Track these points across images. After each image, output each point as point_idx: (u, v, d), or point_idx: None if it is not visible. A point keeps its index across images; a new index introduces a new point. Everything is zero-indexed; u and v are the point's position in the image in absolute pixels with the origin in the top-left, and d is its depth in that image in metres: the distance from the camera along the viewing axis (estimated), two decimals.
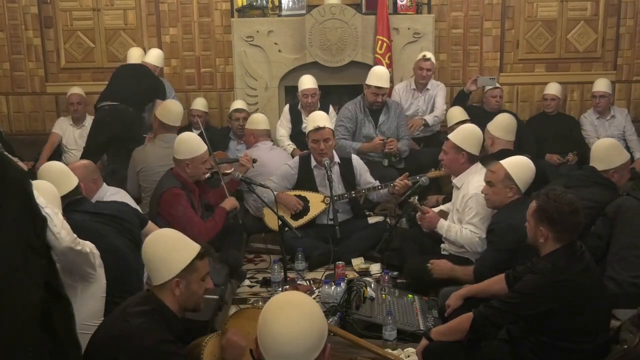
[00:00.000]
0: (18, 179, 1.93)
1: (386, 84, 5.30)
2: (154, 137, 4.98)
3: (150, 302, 2.43)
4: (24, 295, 1.90)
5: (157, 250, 2.46)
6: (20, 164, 4.96)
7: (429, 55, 5.74)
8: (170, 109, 4.95)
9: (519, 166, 3.44)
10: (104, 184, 3.81)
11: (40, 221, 2.05)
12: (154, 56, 5.78)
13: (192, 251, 2.48)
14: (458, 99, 5.92)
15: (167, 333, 2.35)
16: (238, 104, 5.92)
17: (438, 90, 5.86)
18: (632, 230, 3.27)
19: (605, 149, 3.77)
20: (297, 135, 5.59)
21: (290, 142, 5.62)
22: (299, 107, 5.68)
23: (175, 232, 2.58)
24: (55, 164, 3.31)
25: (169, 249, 2.45)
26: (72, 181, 3.16)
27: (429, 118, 5.72)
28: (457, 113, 5.57)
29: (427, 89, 5.83)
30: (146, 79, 5.46)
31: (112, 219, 3.17)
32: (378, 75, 5.25)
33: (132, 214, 3.37)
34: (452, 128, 5.41)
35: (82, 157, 5.16)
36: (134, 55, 5.83)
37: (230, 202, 4.24)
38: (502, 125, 4.62)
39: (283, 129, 5.71)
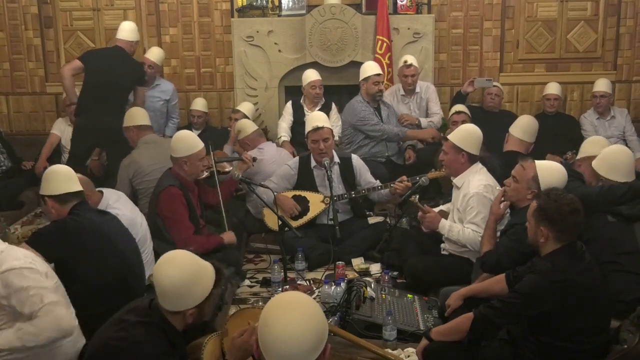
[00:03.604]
0: None
1: (380, 71, 5.47)
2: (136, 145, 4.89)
3: (152, 315, 2.37)
4: None
5: (174, 282, 2.32)
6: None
7: (411, 60, 5.73)
8: (133, 112, 4.98)
9: (551, 174, 3.24)
10: (104, 194, 3.71)
11: None
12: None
13: (210, 280, 2.38)
14: (456, 100, 5.91)
15: (168, 346, 2.32)
16: (242, 106, 5.85)
17: (429, 94, 5.85)
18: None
19: (586, 141, 3.89)
20: (299, 127, 5.57)
21: (284, 134, 5.65)
22: (301, 101, 5.76)
23: (191, 259, 2.41)
24: (62, 167, 3.33)
25: (189, 283, 2.33)
26: (78, 183, 3.21)
27: (424, 121, 5.73)
28: (458, 105, 5.64)
29: (416, 92, 5.83)
30: (126, 76, 5.30)
31: (116, 220, 3.25)
32: (372, 66, 5.44)
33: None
34: (451, 119, 5.50)
35: (69, 161, 5.07)
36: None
37: (228, 237, 4.13)
38: (518, 123, 4.60)
39: (284, 123, 5.76)
